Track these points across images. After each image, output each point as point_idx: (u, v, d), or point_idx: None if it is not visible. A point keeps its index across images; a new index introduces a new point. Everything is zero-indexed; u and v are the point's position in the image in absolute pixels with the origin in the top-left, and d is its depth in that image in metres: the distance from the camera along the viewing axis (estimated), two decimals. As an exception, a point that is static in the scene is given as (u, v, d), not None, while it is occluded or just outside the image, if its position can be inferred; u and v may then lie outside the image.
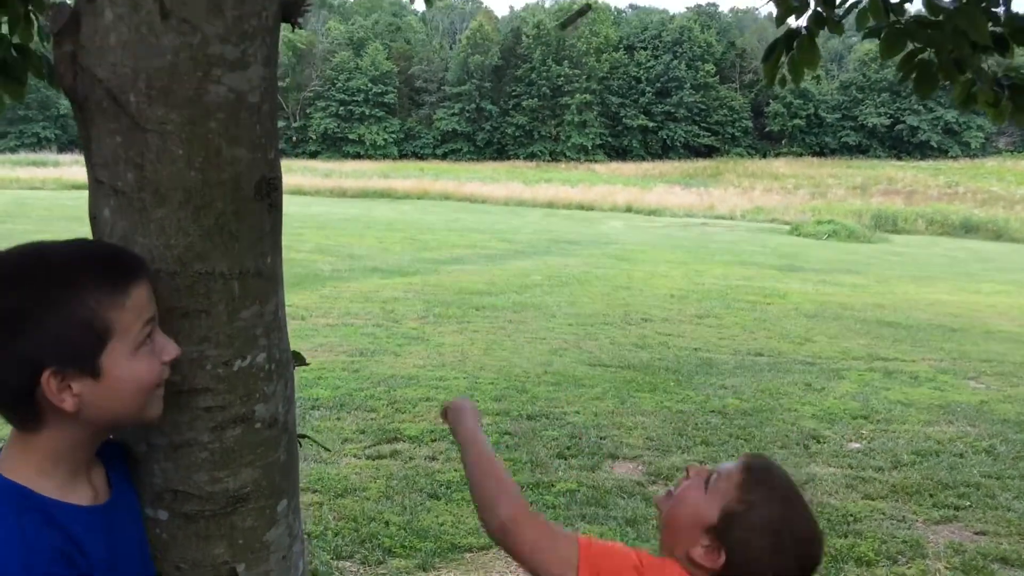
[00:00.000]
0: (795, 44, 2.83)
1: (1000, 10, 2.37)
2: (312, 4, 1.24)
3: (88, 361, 1.10)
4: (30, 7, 2.60)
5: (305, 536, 4.33)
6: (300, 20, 1.24)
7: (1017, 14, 2.44)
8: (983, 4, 2.31)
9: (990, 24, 2.41)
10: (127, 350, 1.12)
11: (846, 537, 4.62)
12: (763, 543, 1.34)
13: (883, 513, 4.98)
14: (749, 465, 1.42)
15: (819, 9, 2.68)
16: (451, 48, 79.33)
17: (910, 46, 2.49)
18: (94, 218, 1.22)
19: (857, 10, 2.68)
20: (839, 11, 2.69)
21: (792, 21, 2.80)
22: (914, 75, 2.57)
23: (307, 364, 1.69)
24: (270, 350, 1.30)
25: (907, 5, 2.46)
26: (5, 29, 2.59)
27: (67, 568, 1.10)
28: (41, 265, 1.11)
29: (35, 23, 2.67)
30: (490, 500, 1.41)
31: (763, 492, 1.37)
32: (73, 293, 1.09)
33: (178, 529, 1.26)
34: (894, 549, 4.50)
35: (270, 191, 1.24)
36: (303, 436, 1.50)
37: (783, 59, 2.88)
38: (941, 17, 2.34)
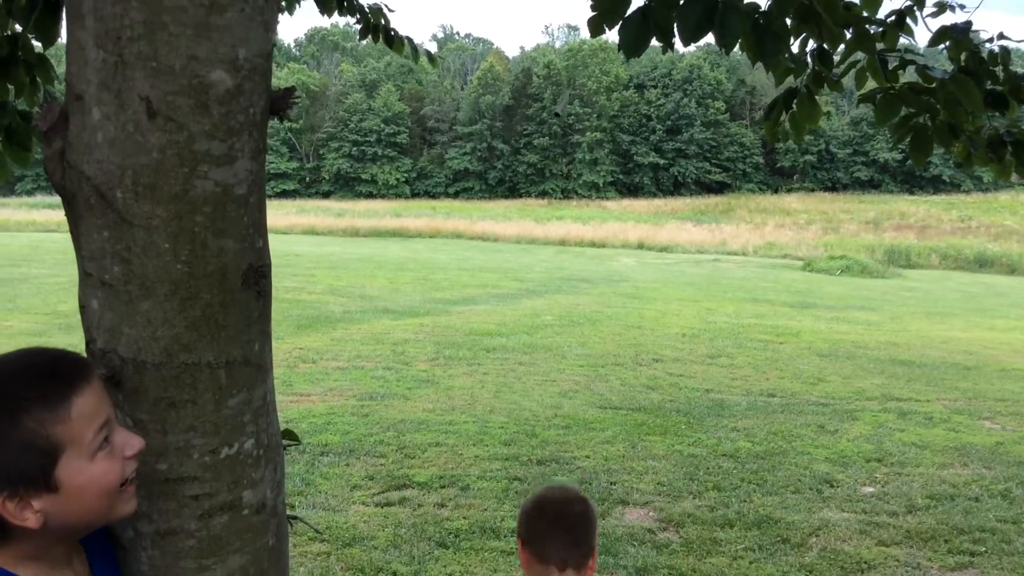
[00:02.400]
0: (795, 102, 2.86)
1: (998, 69, 2.40)
2: (300, 98, 1.26)
3: (41, 479, 1.08)
4: (35, 74, 2.66)
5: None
6: (289, 113, 1.26)
7: (1015, 72, 2.45)
8: (978, 70, 2.32)
9: (989, 83, 2.43)
10: (83, 459, 1.10)
11: (860, 586, 4.56)
12: (526, 518, 2.00)
13: (897, 560, 4.91)
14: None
15: (817, 68, 2.70)
16: (462, 88, 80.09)
17: (904, 111, 2.51)
18: (83, 307, 1.23)
19: (855, 69, 2.70)
20: (837, 70, 2.72)
21: (791, 80, 2.82)
22: (909, 139, 2.58)
23: (299, 443, 1.69)
24: (258, 436, 1.31)
25: (900, 72, 2.48)
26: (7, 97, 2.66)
27: None
28: None
29: (41, 89, 2.73)
30: None
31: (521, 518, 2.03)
32: (10, 417, 1.06)
33: (165, 618, 1.26)
34: (909, 598, 4.43)
35: (258, 279, 1.25)
36: (293, 518, 1.49)
37: (784, 117, 2.91)
38: (934, 84, 2.36)
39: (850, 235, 37.40)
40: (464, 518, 5.28)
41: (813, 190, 68.05)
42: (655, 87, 75.17)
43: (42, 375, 1.10)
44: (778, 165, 72.58)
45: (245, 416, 1.28)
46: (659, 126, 73.57)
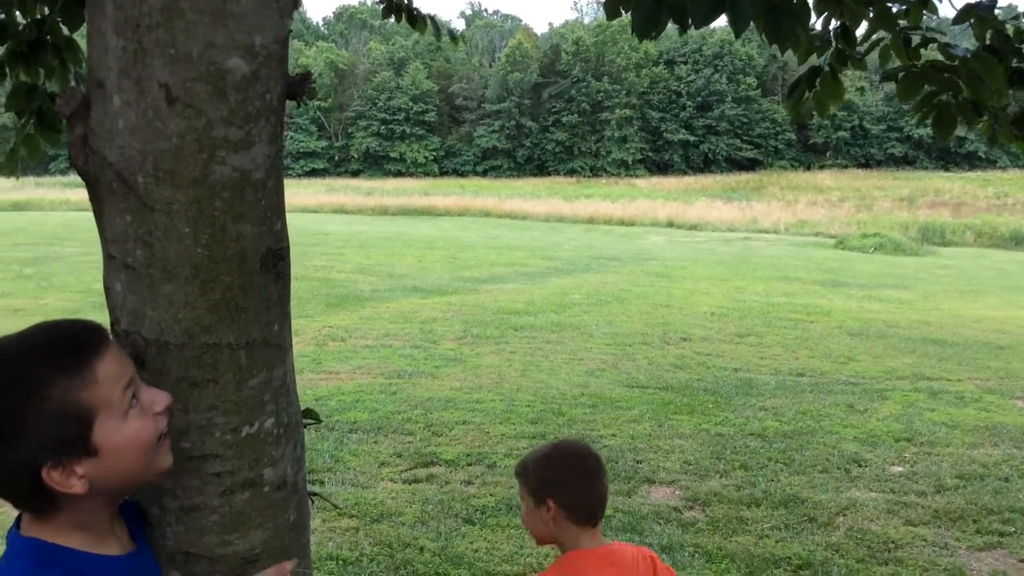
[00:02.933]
0: (818, 81, 2.83)
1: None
2: (316, 83, 1.28)
3: (81, 445, 1.12)
4: (64, 57, 2.69)
5: (341, 562, 4.38)
6: (305, 97, 1.28)
7: (1041, 49, 2.42)
8: (1003, 48, 2.28)
9: (1015, 60, 2.39)
10: (116, 419, 1.14)
11: (886, 565, 4.54)
12: (542, 473, 1.93)
13: (925, 539, 4.88)
14: (517, 473, 2.00)
15: (840, 47, 2.67)
16: (490, 66, 79.77)
17: (927, 89, 2.47)
18: (108, 289, 1.27)
19: (879, 48, 2.66)
20: (861, 48, 2.68)
21: (814, 58, 2.79)
22: (933, 116, 2.54)
23: (320, 422, 1.72)
24: (278, 415, 1.34)
25: (922, 50, 2.44)
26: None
27: None
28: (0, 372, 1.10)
29: (70, 71, 2.77)
30: None
31: (523, 468, 1.99)
32: (39, 392, 1.09)
33: (190, 590, 1.30)
34: (935, 577, 4.41)
35: (277, 262, 1.28)
36: (314, 495, 1.53)
37: (807, 95, 2.88)
38: (956, 62, 2.33)
39: (884, 212, 36.92)
40: (491, 495, 5.33)
41: (846, 167, 67.16)
42: (685, 63, 74.38)
43: (62, 346, 1.13)
44: (811, 142, 71.66)
45: (265, 396, 1.31)
46: (689, 102, 72.86)
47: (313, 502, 1.51)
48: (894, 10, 2.33)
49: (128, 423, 1.15)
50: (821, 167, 68.02)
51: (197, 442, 1.26)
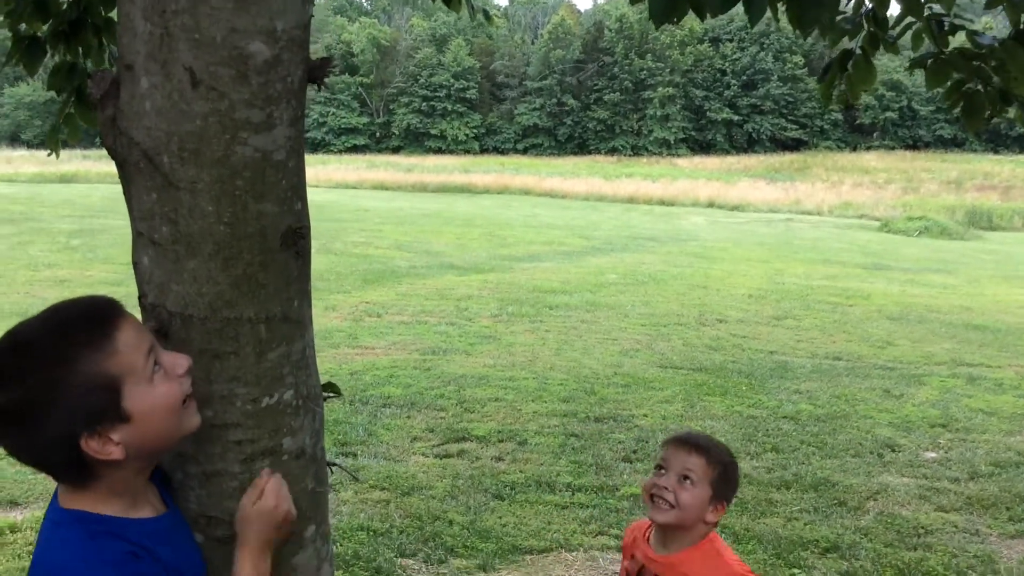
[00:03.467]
0: (850, 64, 2.80)
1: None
2: (337, 65, 1.32)
3: (114, 412, 1.18)
4: (103, 37, 2.76)
5: (372, 533, 4.48)
6: (326, 81, 1.32)
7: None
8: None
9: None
10: (142, 385, 1.20)
11: (915, 550, 4.53)
12: (733, 476, 1.97)
13: (955, 526, 4.86)
14: (696, 446, 1.95)
15: (872, 30, 2.64)
16: (532, 43, 79.37)
17: (955, 76, 2.44)
18: (136, 264, 1.32)
19: (912, 31, 2.63)
20: (893, 32, 2.65)
21: (846, 42, 2.76)
22: (961, 105, 2.51)
23: (341, 395, 1.77)
24: (297, 387, 1.39)
25: (951, 37, 2.41)
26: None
27: (145, 565, 1.19)
28: (26, 355, 1.16)
29: (107, 50, 2.84)
30: None
31: (715, 452, 1.95)
32: (66, 367, 1.15)
33: (211, 552, 1.36)
34: (964, 564, 4.39)
35: (297, 240, 1.33)
36: (332, 464, 1.58)
37: (839, 79, 2.85)
38: (984, 50, 2.29)
39: (930, 195, 36.21)
40: (520, 471, 5.39)
41: (893, 148, 65.85)
42: (731, 40, 73.34)
43: (80, 321, 1.20)
44: (857, 122, 70.41)
45: (284, 368, 1.36)
46: (734, 81, 71.89)
47: (332, 471, 1.57)
48: (926, -6, 2.30)
49: (155, 387, 1.21)
50: (868, 148, 66.78)
51: (219, 411, 1.32)
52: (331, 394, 1.70)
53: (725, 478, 1.92)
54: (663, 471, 1.94)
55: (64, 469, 1.21)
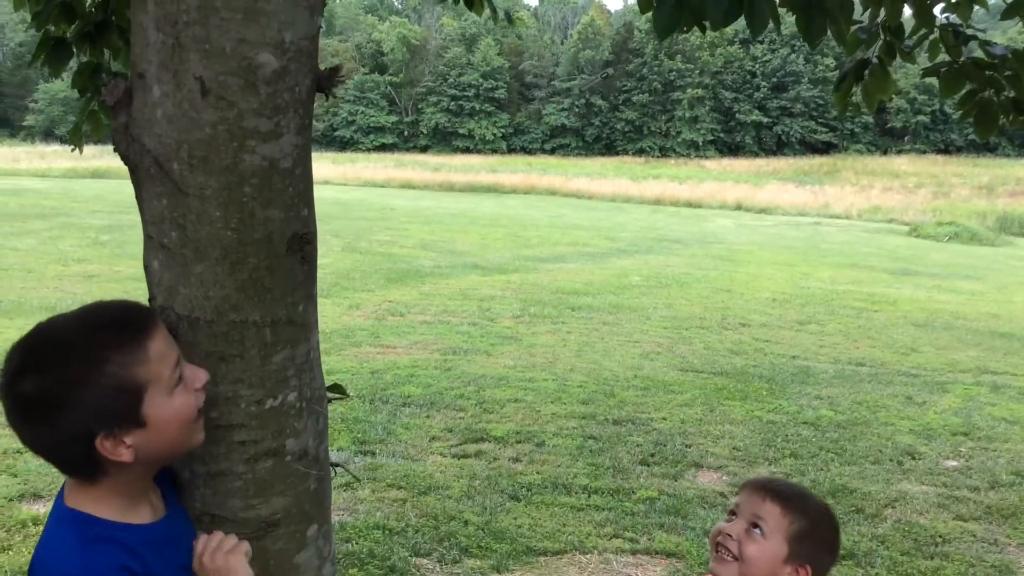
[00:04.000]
0: (866, 73, 2.80)
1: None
2: (346, 76, 1.35)
3: (132, 417, 1.22)
4: (128, 38, 2.80)
5: (387, 531, 4.52)
6: (334, 90, 1.35)
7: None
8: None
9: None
10: (163, 395, 1.24)
11: (932, 559, 4.50)
12: (823, 536, 1.66)
13: (974, 535, 4.82)
14: (773, 492, 1.68)
15: (888, 39, 2.64)
16: (562, 43, 79.30)
17: (969, 86, 2.43)
18: (147, 267, 1.36)
19: (928, 41, 2.63)
20: (910, 42, 2.64)
21: (863, 51, 2.76)
22: (975, 114, 2.50)
23: (348, 396, 1.80)
24: (301, 390, 1.42)
25: (964, 48, 2.40)
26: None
27: None
28: (59, 348, 1.20)
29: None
30: None
31: (798, 503, 1.66)
32: (96, 367, 1.19)
33: (215, 549, 1.39)
34: (982, 573, 4.36)
35: (303, 246, 1.36)
36: (336, 465, 1.61)
37: (855, 88, 2.85)
38: (996, 60, 2.29)
39: (961, 200, 35.75)
40: (537, 473, 5.41)
41: (925, 152, 65.18)
42: (761, 42, 72.85)
43: (117, 323, 1.23)
44: (888, 126, 69.73)
45: (289, 371, 1.39)
46: (764, 83, 71.44)
47: (336, 473, 1.60)
48: (941, 5, 2.30)
49: (174, 398, 1.25)
50: (898, 152, 66.13)
51: (224, 412, 1.35)
52: (337, 395, 1.73)
53: (809, 536, 1.62)
54: (734, 517, 1.68)
55: (74, 465, 1.25)
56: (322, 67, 1.37)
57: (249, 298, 1.32)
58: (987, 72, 2.36)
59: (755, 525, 1.62)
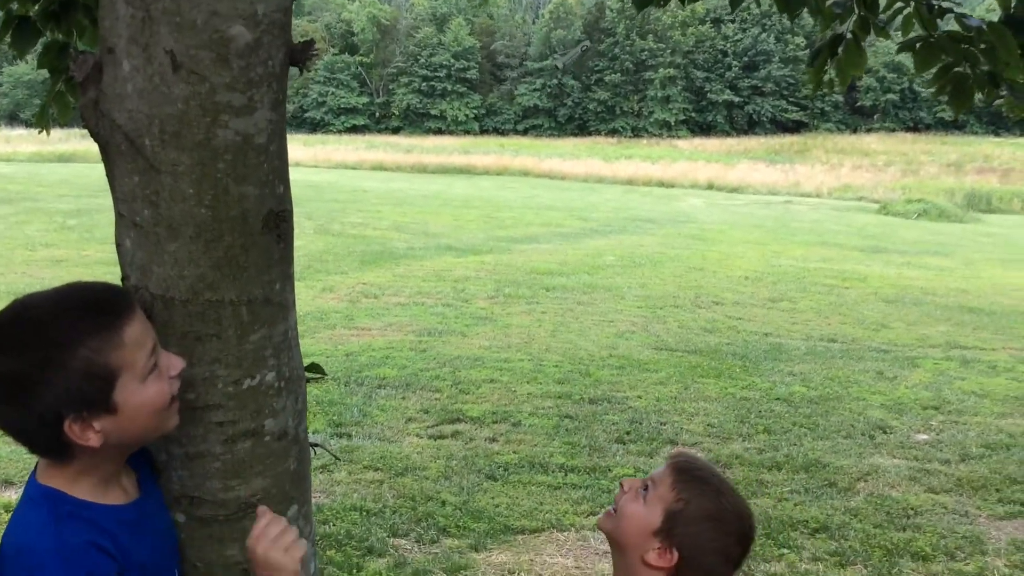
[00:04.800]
0: (840, 48, 2.80)
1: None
2: (319, 50, 1.32)
3: (102, 402, 1.19)
4: (95, 16, 2.75)
5: (365, 512, 4.51)
6: (308, 64, 1.32)
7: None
8: (1022, 18, 2.24)
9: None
10: (136, 381, 1.21)
11: (904, 531, 4.57)
12: (707, 531, 1.47)
13: (945, 507, 4.90)
14: (676, 466, 1.54)
15: (863, 14, 2.64)
16: (533, 23, 78.93)
17: (944, 60, 2.44)
18: (119, 246, 1.34)
19: (902, 16, 2.63)
20: (883, 16, 2.64)
21: (837, 26, 2.76)
22: (949, 89, 2.51)
23: (325, 376, 1.79)
24: (279, 369, 1.40)
25: (939, 21, 2.40)
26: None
27: (103, 558, 1.21)
28: (32, 328, 1.17)
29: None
30: None
31: (695, 487, 1.50)
32: (69, 349, 1.17)
33: (194, 531, 1.38)
34: (953, 545, 4.43)
35: (278, 223, 1.34)
36: (315, 445, 1.60)
37: (828, 63, 2.85)
38: (972, 32, 2.29)
39: (930, 178, 36.09)
40: (514, 452, 5.43)
41: (894, 130, 65.63)
42: (732, 21, 72.90)
43: (93, 306, 1.21)
44: (858, 104, 70.13)
45: (266, 351, 1.37)
46: (735, 62, 71.52)
47: (315, 453, 1.58)
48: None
49: (147, 386, 1.23)
50: (868, 130, 66.54)
51: (201, 393, 1.33)
52: (315, 375, 1.72)
53: (692, 523, 1.47)
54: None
55: (43, 447, 1.23)
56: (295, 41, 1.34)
57: (225, 277, 1.29)
58: (962, 45, 2.37)
59: (646, 487, 1.52)
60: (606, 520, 1.56)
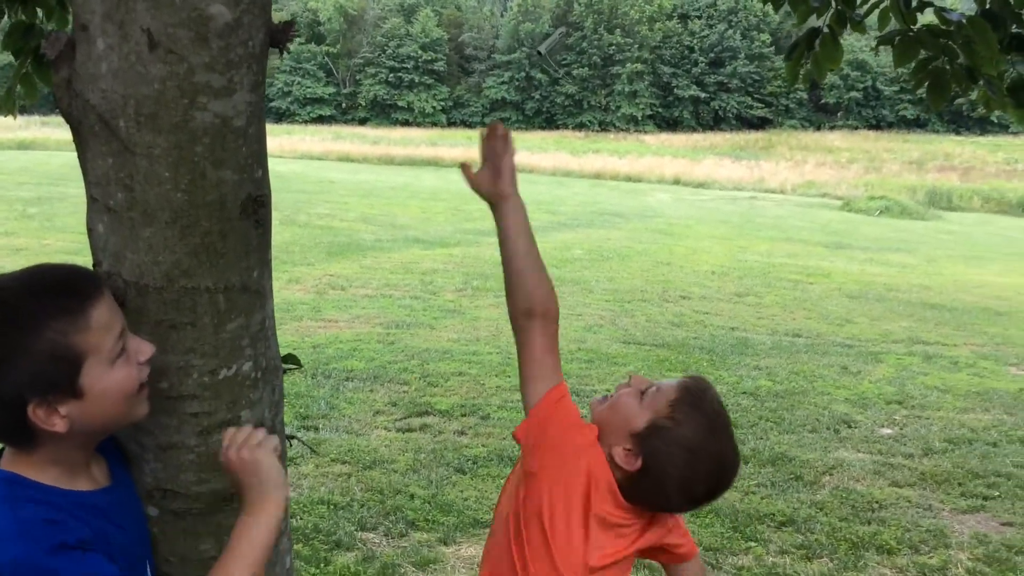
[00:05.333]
0: (816, 43, 2.81)
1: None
2: (299, 31, 1.29)
3: (68, 386, 1.15)
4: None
5: (332, 506, 4.47)
6: (288, 45, 1.29)
7: (1039, 15, 2.40)
8: (1002, 12, 2.26)
9: (1013, 26, 2.37)
10: (103, 365, 1.17)
11: (869, 524, 4.62)
12: (678, 459, 1.43)
13: (909, 501, 4.96)
14: (685, 385, 1.51)
15: (840, 8, 2.64)
16: (502, 15, 78.75)
17: (923, 54, 2.45)
18: (90, 231, 1.29)
19: (879, 10, 2.64)
20: (860, 11, 2.66)
21: (814, 20, 2.76)
22: (927, 84, 2.53)
23: (301, 367, 1.75)
24: (256, 359, 1.37)
25: (919, 15, 2.41)
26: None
27: (66, 534, 1.16)
28: None
29: (68, 11, 2.75)
30: (534, 285, 1.57)
31: (690, 412, 1.46)
32: (34, 331, 1.13)
33: (167, 525, 1.34)
34: (917, 538, 4.48)
35: (257, 209, 1.30)
36: (292, 437, 1.56)
37: (805, 57, 2.86)
38: (952, 27, 2.31)
39: (892, 175, 36.61)
40: (483, 446, 5.41)
41: (857, 128, 66.37)
42: (699, 17, 73.29)
43: (59, 288, 1.17)
44: (822, 101, 70.84)
45: (243, 340, 1.34)
46: (702, 58, 71.90)
47: (291, 445, 1.55)
48: (892, -28, 2.31)
49: (115, 370, 1.19)
50: (832, 128, 67.28)
51: (175, 383, 1.30)
52: (291, 366, 1.68)
53: (665, 440, 1.43)
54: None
55: (5, 431, 1.19)
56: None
57: (201, 263, 1.26)
58: (941, 40, 2.38)
59: (647, 391, 1.50)
60: (597, 403, 1.55)
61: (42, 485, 1.19)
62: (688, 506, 1.51)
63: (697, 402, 1.48)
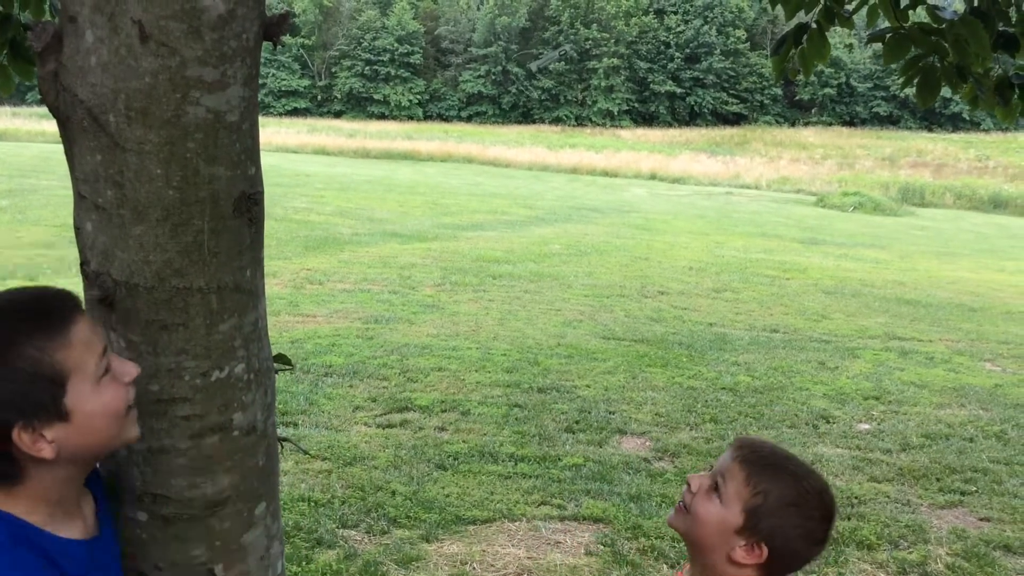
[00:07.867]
0: (804, 38, 2.80)
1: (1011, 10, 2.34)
2: (295, 23, 1.26)
3: (53, 407, 1.11)
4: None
5: (313, 503, 4.42)
6: (282, 38, 1.25)
7: (1029, 13, 2.41)
8: (990, 11, 2.26)
9: (1001, 24, 2.38)
10: (88, 385, 1.13)
11: (849, 520, 4.64)
12: (793, 519, 1.41)
13: (888, 496, 4.99)
14: (745, 458, 1.46)
15: (828, 4, 2.64)
16: (478, 9, 78.50)
17: (913, 51, 2.46)
18: (78, 229, 1.25)
19: (867, 6, 2.64)
20: (849, 7, 2.65)
21: (802, 15, 2.76)
22: (916, 81, 2.53)
23: (292, 367, 1.72)
24: (249, 360, 1.33)
25: (911, 12, 2.41)
26: None
27: None
28: None
29: (46, 1, 2.70)
30: None
31: (771, 476, 1.43)
32: (12, 348, 1.09)
33: (157, 531, 1.31)
34: (896, 533, 4.51)
35: (250, 206, 1.26)
36: (284, 440, 1.53)
37: (792, 52, 2.85)
38: (943, 25, 2.31)
39: (865, 171, 36.98)
40: (464, 442, 5.38)
41: (831, 124, 66.90)
42: (675, 13, 73.48)
43: (36, 307, 1.13)
44: (797, 98, 71.29)
45: (236, 341, 1.30)
46: (678, 54, 72.12)
47: (283, 447, 1.52)
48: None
49: (100, 390, 1.14)
50: (806, 124, 67.78)
51: (166, 385, 1.26)
52: (283, 366, 1.65)
53: (774, 516, 1.41)
54: (711, 468, 1.52)
55: None
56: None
57: (193, 263, 1.22)
58: (932, 37, 2.38)
59: (717, 485, 1.45)
60: (678, 519, 1.50)
61: (38, 529, 1.14)
62: (820, 548, 1.48)
63: (767, 462, 1.46)
